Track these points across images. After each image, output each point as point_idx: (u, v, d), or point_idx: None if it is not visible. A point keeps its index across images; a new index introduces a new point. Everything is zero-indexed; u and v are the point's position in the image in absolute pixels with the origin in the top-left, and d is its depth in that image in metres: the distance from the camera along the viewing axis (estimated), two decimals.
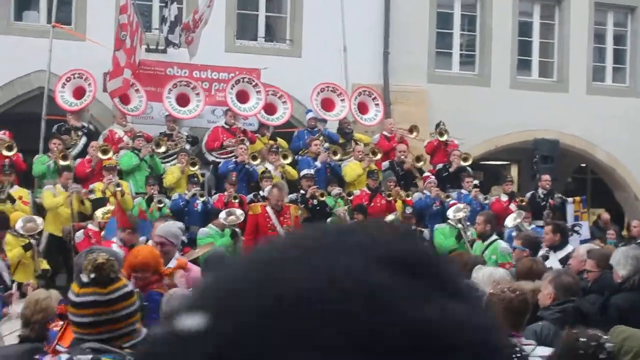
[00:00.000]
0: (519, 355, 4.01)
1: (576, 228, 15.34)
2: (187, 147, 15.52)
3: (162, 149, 14.88)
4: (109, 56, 15.30)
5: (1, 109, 16.55)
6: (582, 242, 13.90)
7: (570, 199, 16.43)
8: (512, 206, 15.46)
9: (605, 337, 3.12)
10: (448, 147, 16.62)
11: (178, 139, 15.52)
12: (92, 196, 13.11)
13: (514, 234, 12.65)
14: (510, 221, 13.97)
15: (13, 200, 12.77)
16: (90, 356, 3.47)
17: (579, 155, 20.30)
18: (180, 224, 8.71)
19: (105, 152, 14.15)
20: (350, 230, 0.89)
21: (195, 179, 14.20)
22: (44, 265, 11.65)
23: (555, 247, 10.37)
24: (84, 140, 15.05)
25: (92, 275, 3.56)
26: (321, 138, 15.89)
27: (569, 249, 10.32)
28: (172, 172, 14.60)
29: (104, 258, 3.62)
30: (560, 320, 5.46)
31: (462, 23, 19.88)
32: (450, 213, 14.01)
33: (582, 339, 3.39)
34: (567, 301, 5.86)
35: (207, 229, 12.81)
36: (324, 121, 16.59)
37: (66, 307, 4.49)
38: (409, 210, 14.47)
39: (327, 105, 16.77)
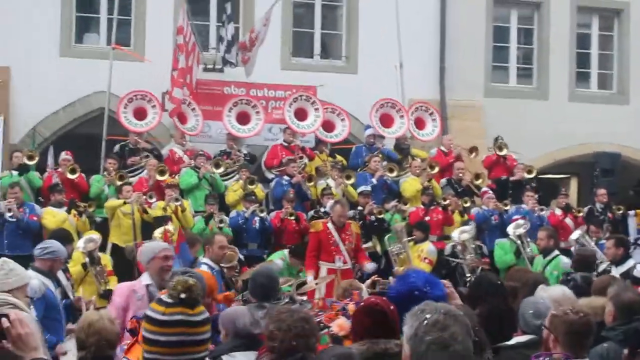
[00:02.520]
0: None
1: (639, 241, 15.05)
2: (248, 166, 15.60)
3: (221, 170, 14.98)
4: (167, 76, 15.51)
5: (63, 129, 16.86)
6: None
7: (632, 212, 16.14)
8: (568, 220, 15.27)
9: None
10: (507, 162, 16.47)
11: (236, 157, 15.62)
12: (153, 200, 13.27)
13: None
14: (575, 236, 13.79)
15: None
16: None
17: None
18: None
19: (162, 173, 14.29)
20: None
21: (253, 197, 14.26)
22: (112, 283, 11.75)
23: (616, 262, 10.21)
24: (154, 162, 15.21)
25: (183, 296, 3.62)
26: (380, 156, 15.84)
27: (630, 263, 10.16)
28: (234, 190, 14.65)
29: (193, 281, 3.69)
30: (626, 341, 5.33)
31: (518, 36, 19.71)
32: (510, 229, 13.86)
33: None
34: (630, 321, 5.69)
35: (280, 261, 12.47)
36: (382, 137, 16.56)
37: (138, 322, 4.55)
38: (472, 224, 14.30)
39: (386, 121, 16.73)
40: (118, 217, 13.49)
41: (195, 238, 10.74)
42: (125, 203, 13.28)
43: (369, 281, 8.46)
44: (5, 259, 6.62)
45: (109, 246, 13.19)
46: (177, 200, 13.43)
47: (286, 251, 12.48)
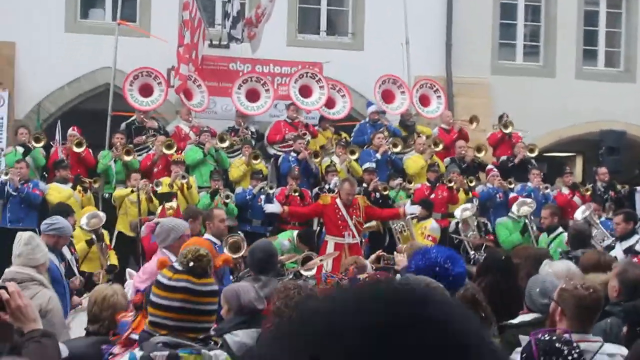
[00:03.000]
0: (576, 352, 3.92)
1: None
2: (252, 143, 15.58)
3: (226, 144, 14.98)
4: (173, 52, 15.48)
5: (68, 105, 16.87)
6: None
7: (639, 188, 16.09)
8: (576, 198, 15.24)
9: None
10: (512, 139, 16.43)
11: (243, 135, 15.62)
12: (159, 189, 13.25)
13: None
14: (579, 214, 13.77)
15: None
16: (167, 352, 3.53)
17: None
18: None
19: (169, 147, 14.31)
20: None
21: (260, 174, 14.27)
22: (113, 259, 11.82)
23: (622, 237, 10.21)
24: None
25: (191, 264, 3.67)
26: (385, 133, 15.82)
27: (635, 238, 10.14)
28: (237, 166, 14.70)
29: (205, 252, 3.78)
30: (629, 318, 5.33)
31: (525, 13, 19.60)
32: (514, 208, 13.85)
33: None
34: (634, 298, 5.69)
35: (287, 242, 12.57)
36: (384, 113, 16.52)
37: (143, 295, 4.57)
38: (475, 202, 14.31)
39: (388, 97, 16.71)
40: (125, 206, 13.48)
41: (196, 211, 10.70)
42: (132, 192, 13.26)
43: (373, 256, 8.47)
44: (32, 234, 6.68)
45: (115, 233, 13.19)
46: (183, 177, 13.43)
47: (295, 233, 12.50)
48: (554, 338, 3.83)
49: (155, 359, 3.52)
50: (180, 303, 3.64)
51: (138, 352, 3.62)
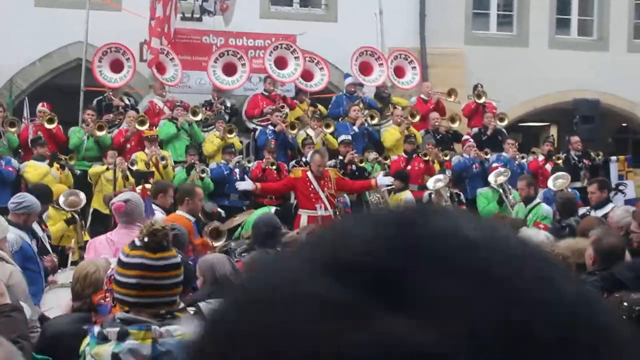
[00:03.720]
0: None
1: (621, 187, 15.11)
2: (225, 118, 15.47)
3: (199, 117, 14.89)
4: (145, 26, 15.34)
5: (40, 81, 16.69)
6: (627, 201, 13.73)
7: (613, 158, 16.21)
8: (547, 166, 15.34)
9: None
10: (487, 109, 16.47)
11: (217, 109, 15.54)
12: (134, 167, 13.17)
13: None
14: (551, 182, 13.87)
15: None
16: (117, 328, 3.56)
17: (620, 115, 20.02)
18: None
19: (142, 123, 14.22)
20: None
21: (232, 149, 14.21)
22: (88, 237, 11.75)
23: (596, 206, 10.29)
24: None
25: (145, 240, 3.67)
26: (361, 105, 15.80)
27: (609, 207, 10.23)
28: (211, 141, 14.63)
29: (160, 226, 3.76)
30: (601, 287, 5.36)
31: None
32: (491, 178, 13.94)
33: (624, 303, 3.35)
34: (610, 266, 5.72)
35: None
36: (362, 85, 16.51)
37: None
38: (448, 173, 14.39)
39: (365, 69, 16.67)
40: (101, 183, 13.38)
41: (165, 185, 10.61)
42: (108, 169, 13.15)
43: None
44: None
45: (91, 211, 13.11)
46: (162, 159, 13.37)
47: (273, 209, 12.51)
48: None
49: (107, 335, 3.56)
50: (136, 279, 3.66)
51: (96, 328, 3.65)
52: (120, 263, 3.74)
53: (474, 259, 0.74)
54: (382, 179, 13.09)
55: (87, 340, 3.75)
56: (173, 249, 3.86)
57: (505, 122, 16.32)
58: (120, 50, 15.41)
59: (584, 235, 6.71)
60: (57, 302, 5.96)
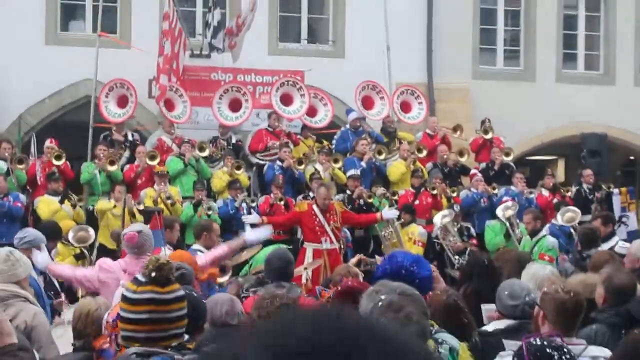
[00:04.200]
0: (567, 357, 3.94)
1: (623, 219, 15.10)
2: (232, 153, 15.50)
3: (206, 153, 14.95)
4: (154, 63, 15.46)
5: (50, 117, 16.80)
6: (630, 233, 13.72)
7: (616, 190, 16.19)
8: (556, 200, 15.34)
9: None
10: (494, 144, 16.51)
11: (221, 145, 15.60)
12: (140, 207, 13.21)
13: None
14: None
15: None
16: None
17: (627, 148, 20.03)
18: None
19: (152, 158, 14.31)
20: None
21: (238, 184, 14.25)
22: None
23: (603, 239, 10.29)
24: (128, 152, 15.20)
25: (153, 274, 3.70)
26: (368, 139, 15.85)
27: (614, 240, 10.24)
28: (219, 177, 14.69)
29: (165, 260, 3.82)
30: (616, 324, 5.34)
31: (505, 18, 19.70)
32: (499, 211, 13.95)
33: None
34: (622, 303, 5.71)
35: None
36: (364, 118, 16.55)
37: (116, 325, 4.56)
38: (457, 208, 14.39)
39: (367, 103, 16.75)
40: (107, 218, 13.42)
41: (172, 220, 10.68)
42: (115, 206, 13.20)
43: (354, 259, 8.43)
44: (10, 248, 6.63)
45: (96, 245, 13.13)
46: (168, 198, 13.43)
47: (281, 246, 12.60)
48: (545, 343, 3.85)
49: None
50: (147, 315, 3.69)
51: None
52: (127, 300, 3.75)
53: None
54: (387, 213, 13.11)
55: None
56: (177, 284, 3.91)
57: (511, 157, 16.33)
58: (125, 86, 15.55)
59: (595, 269, 6.70)
60: (62, 339, 5.92)
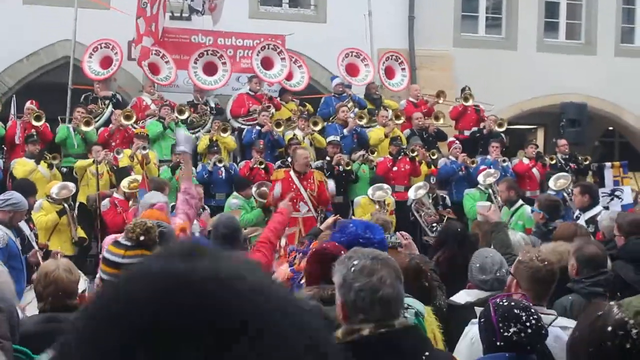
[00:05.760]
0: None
1: (617, 192, 15.14)
2: (211, 119, 15.43)
3: (185, 115, 14.87)
4: (133, 24, 15.31)
5: (27, 78, 16.65)
6: (624, 207, 13.79)
7: (608, 164, 16.23)
8: (535, 170, 15.38)
9: (630, 322, 3.07)
10: (480, 113, 16.52)
11: (202, 111, 15.51)
12: (121, 156, 13.17)
13: None
14: (552, 183, 13.96)
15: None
16: None
17: (607, 118, 20.13)
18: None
19: (128, 117, 14.22)
20: None
21: (215, 147, 14.19)
22: (81, 233, 11.80)
23: (584, 209, 10.34)
24: (110, 109, 15.08)
25: (142, 238, 3.67)
26: (350, 104, 15.82)
27: (596, 209, 10.27)
28: (202, 140, 14.63)
29: (151, 223, 3.78)
30: (592, 294, 5.39)
31: None
32: (480, 178, 13.97)
33: (609, 328, 3.35)
34: (597, 273, 5.75)
35: (236, 200, 12.85)
36: (350, 86, 16.53)
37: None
38: (432, 180, 14.39)
39: (352, 70, 16.70)
40: (87, 177, 13.36)
41: (162, 183, 10.65)
42: (94, 162, 13.14)
43: (329, 220, 8.23)
44: None
45: (77, 205, 13.10)
46: (144, 148, 13.33)
47: (234, 193, 13.04)
48: (513, 303, 3.88)
49: None
50: None
51: None
52: (113, 264, 3.71)
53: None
54: (331, 186, 13.16)
55: None
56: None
57: (504, 128, 16.32)
58: (110, 46, 15.44)
59: (558, 240, 6.74)
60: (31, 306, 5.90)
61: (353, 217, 12.35)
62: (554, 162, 15.63)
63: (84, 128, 14.02)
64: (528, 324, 3.81)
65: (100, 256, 6.83)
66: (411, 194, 13.80)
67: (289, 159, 14.15)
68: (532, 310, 3.89)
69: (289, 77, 16.48)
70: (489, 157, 15.34)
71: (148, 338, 0.89)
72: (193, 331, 0.89)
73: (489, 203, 6.97)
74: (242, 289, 0.95)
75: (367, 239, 4.74)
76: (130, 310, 0.93)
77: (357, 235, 4.82)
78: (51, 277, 5.06)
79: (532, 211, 10.21)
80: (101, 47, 15.45)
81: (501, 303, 3.90)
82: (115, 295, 0.98)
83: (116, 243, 3.77)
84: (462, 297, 5.53)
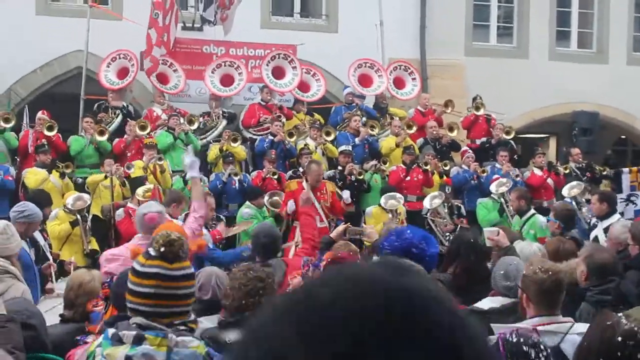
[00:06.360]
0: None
1: (632, 198, 15.04)
2: (224, 123, 15.49)
3: (195, 126, 14.92)
4: (144, 35, 15.37)
5: (40, 89, 16.72)
6: (637, 212, 13.72)
7: (626, 169, 16.14)
8: (549, 180, 15.32)
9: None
10: (491, 123, 16.49)
11: (215, 115, 15.55)
12: (131, 171, 13.20)
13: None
14: (566, 191, 13.92)
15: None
16: (134, 332, 3.56)
17: (619, 127, 20.06)
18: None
19: (143, 128, 14.25)
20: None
21: (230, 158, 14.21)
22: (94, 245, 11.81)
23: (602, 217, 10.30)
24: (120, 118, 15.12)
25: (162, 250, 3.67)
26: (359, 113, 15.83)
27: (614, 218, 10.21)
28: (212, 149, 14.67)
29: (176, 236, 3.77)
30: (600, 302, 5.36)
31: None
32: (493, 187, 13.93)
33: (619, 338, 3.33)
34: (606, 281, 5.72)
35: (248, 209, 12.85)
36: (362, 97, 16.53)
37: (109, 288, 4.56)
38: (448, 189, 14.35)
39: (365, 81, 16.68)
40: (99, 191, 13.39)
41: (181, 195, 10.67)
42: (106, 177, 13.19)
43: (340, 228, 8.24)
44: (7, 223, 6.61)
45: (90, 217, 13.13)
46: (160, 159, 13.39)
47: (247, 202, 13.03)
48: (522, 340, 3.83)
49: (123, 337, 3.55)
50: (153, 289, 3.65)
51: (111, 330, 3.64)
52: (135, 272, 3.73)
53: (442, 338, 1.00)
54: (346, 196, 13.21)
55: (98, 341, 3.75)
56: (188, 261, 3.86)
57: (512, 135, 16.28)
58: (128, 57, 15.53)
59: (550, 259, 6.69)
60: (51, 311, 5.93)
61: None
62: (567, 171, 15.55)
63: (98, 138, 14.08)
64: None
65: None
66: (427, 203, 13.76)
67: (300, 169, 14.18)
68: (542, 347, 3.85)
69: (305, 89, 16.48)
70: (497, 165, 15.30)
71: (378, 339, 0.97)
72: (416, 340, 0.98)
73: (496, 228, 6.93)
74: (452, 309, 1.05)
75: (421, 249, 4.73)
76: (361, 314, 0.99)
77: (412, 243, 4.81)
78: (86, 288, 5.11)
79: (548, 220, 10.17)
80: (119, 58, 15.52)
81: (510, 339, 3.84)
82: (343, 299, 1.02)
83: (145, 252, 3.80)
84: (486, 303, 5.51)
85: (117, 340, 3.58)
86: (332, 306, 1.00)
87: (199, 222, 7.37)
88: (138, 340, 3.54)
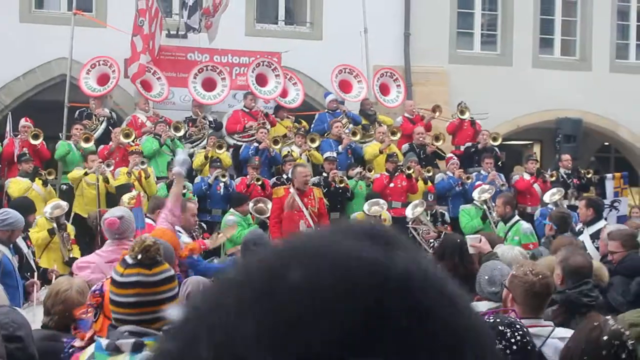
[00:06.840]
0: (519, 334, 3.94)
1: (615, 204, 15.15)
2: (210, 132, 15.50)
3: (181, 133, 14.91)
4: (129, 43, 15.34)
5: (23, 96, 16.66)
6: (619, 218, 13.80)
7: (609, 175, 16.23)
8: (536, 185, 15.37)
9: (627, 333, 3.03)
10: (475, 126, 16.54)
11: (201, 125, 15.54)
12: (110, 169, 13.19)
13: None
14: (548, 197, 13.98)
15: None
16: (132, 340, 3.49)
17: (602, 134, 20.16)
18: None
19: (127, 136, 14.21)
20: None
21: (218, 163, 14.20)
22: (76, 253, 11.73)
23: (588, 223, 10.34)
24: (104, 125, 15.09)
25: (139, 256, 3.62)
26: (344, 120, 15.85)
27: (601, 224, 10.27)
28: (197, 156, 14.65)
29: (151, 241, 3.71)
30: (573, 303, 5.38)
31: (482, 2, 19.73)
32: (475, 194, 13.97)
33: (605, 337, 3.35)
34: (581, 284, 5.69)
35: (233, 216, 12.79)
36: (343, 102, 16.56)
37: (100, 296, 4.52)
38: (431, 197, 14.33)
39: (345, 87, 16.74)
40: (82, 187, 13.38)
41: (164, 201, 10.61)
42: (87, 174, 13.15)
43: None
44: None
45: (72, 216, 13.10)
46: (142, 163, 13.35)
47: (231, 209, 12.94)
48: (498, 320, 3.86)
49: (120, 346, 3.49)
50: (134, 298, 3.60)
51: (104, 341, 3.58)
52: (115, 283, 3.66)
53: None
54: None
55: (88, 351, 3.69)
56: (166, 264, 3.80)
57: (499, 142, 16.34)
58: (108, 63, 15.47)
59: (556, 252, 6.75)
60: (32, 319, 5.89)
61: None
62: (554, 178, 15.61)
63: (83, 144, 14.03)
64: (513, 340, 3.78)
65: None
66: (408, 212, 13.73)
67: (284, 176, 14.17)
68: (518, 326, 3.86)
69: (284, 94, 16.52)
70: (482, 171, 15.35)
71: (375, 318, 0.84)
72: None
73: (478, 235, 6.94)
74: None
75: None
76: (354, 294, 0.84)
77: None
78: (62, 297, 5.06)
79: (544, 224, 10.24)
80: (99, 64, 15.48)
81: (487, 320, 3.87)
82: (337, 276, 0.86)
83: (122, 261, 3.74)
84: None
85: (114, 350, 3.51)
86: (310, 297, 0.84)
87: (171, 221, 7.14)
88: (138, 348, 3.48)
